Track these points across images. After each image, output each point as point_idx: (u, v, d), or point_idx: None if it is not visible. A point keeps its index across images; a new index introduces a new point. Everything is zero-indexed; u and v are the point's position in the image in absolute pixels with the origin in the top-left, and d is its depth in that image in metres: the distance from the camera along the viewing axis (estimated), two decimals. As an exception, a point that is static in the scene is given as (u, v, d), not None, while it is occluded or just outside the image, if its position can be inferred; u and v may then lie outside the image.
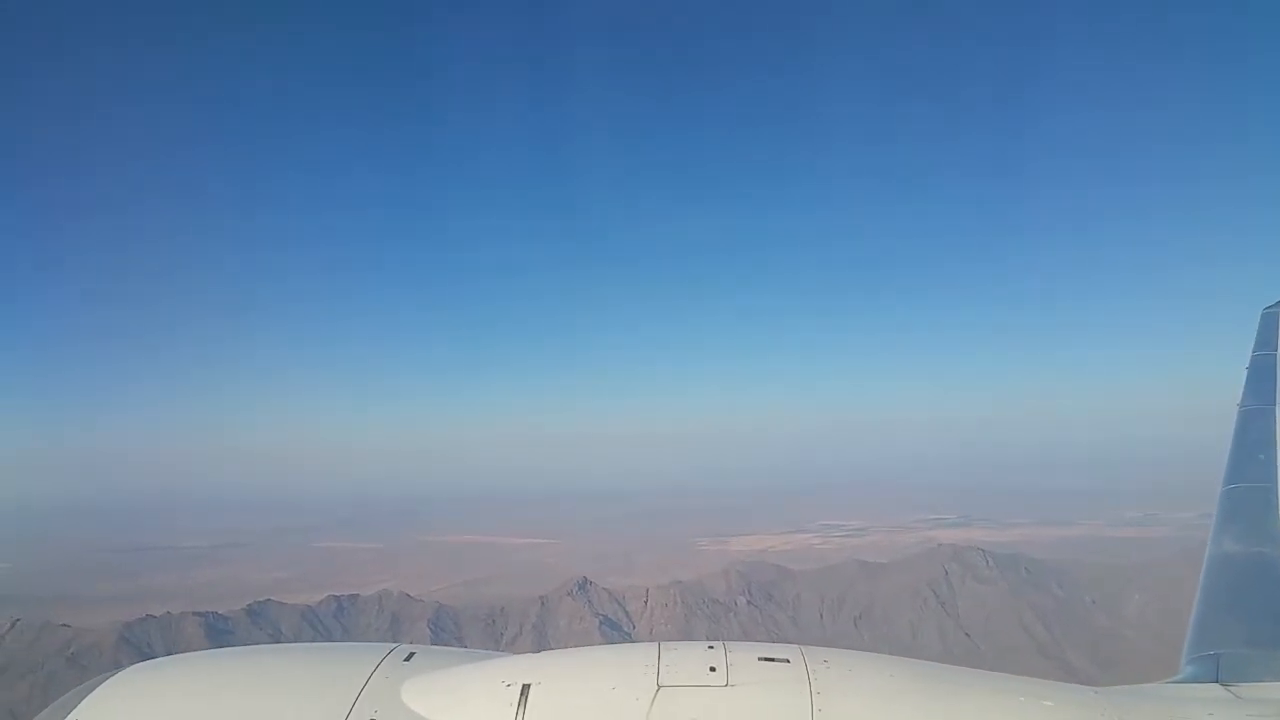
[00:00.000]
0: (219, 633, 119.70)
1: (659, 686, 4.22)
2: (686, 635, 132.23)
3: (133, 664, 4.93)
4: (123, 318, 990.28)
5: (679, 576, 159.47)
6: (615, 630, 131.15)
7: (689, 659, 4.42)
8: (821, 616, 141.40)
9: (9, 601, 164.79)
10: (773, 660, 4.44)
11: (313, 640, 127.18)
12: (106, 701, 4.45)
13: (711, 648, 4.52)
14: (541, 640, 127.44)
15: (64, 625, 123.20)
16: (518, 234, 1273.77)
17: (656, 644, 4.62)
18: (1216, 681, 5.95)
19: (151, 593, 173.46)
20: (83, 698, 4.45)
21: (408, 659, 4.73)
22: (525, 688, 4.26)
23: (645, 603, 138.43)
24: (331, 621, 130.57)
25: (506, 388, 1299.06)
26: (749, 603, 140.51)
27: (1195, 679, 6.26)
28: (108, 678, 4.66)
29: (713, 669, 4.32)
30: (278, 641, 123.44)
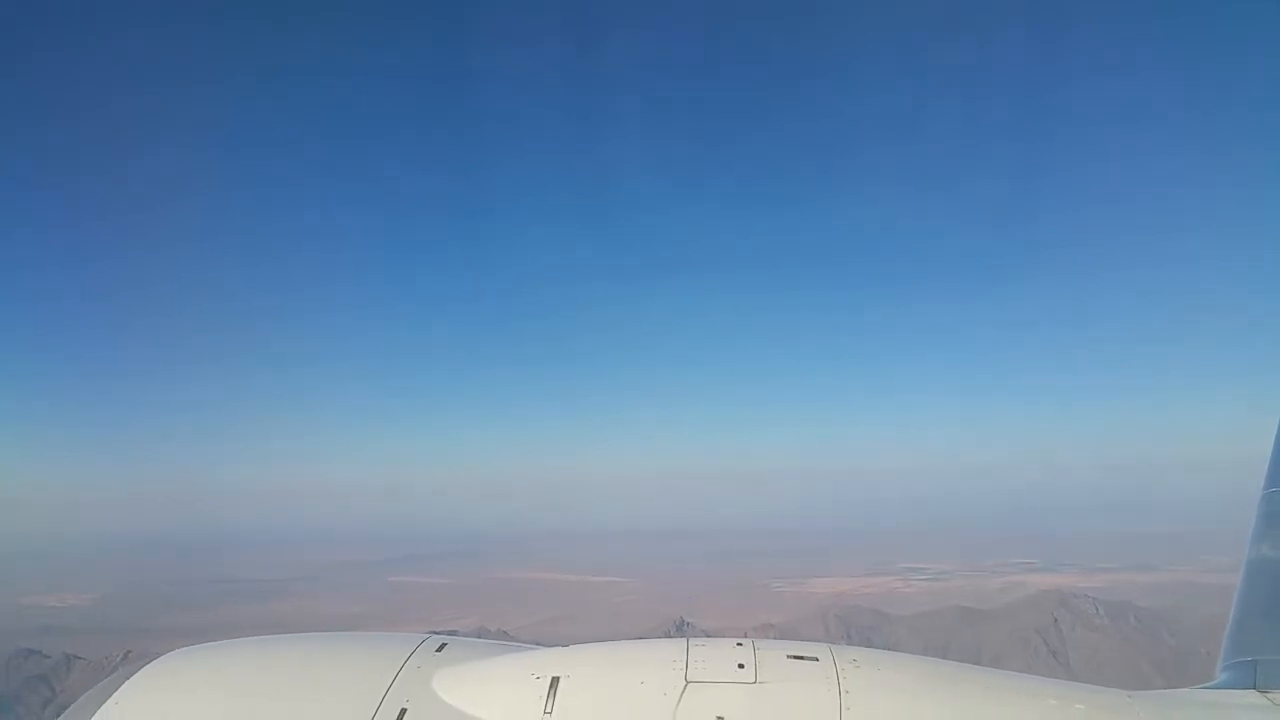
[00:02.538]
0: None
1: (687, 682, 4.20)
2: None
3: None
4: (184, 354, 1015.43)
5: (766, 619, 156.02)
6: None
7: (717, 655, 4.38)
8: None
9: (102, 631, 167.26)
10: (802, 658, 4.36)
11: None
12: (144, 686, 4.50)
13: (740, 644, 4.47)
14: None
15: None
16: (581, 270, 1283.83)
17: (685, 639, 4.59)
18: (1254, 688, 5.63)
19: (238, 625, 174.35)
20: (122, 682, 4.49)
21: (440, 649, 4.75)
22: (555, 680, 4.25)
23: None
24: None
25: (556, 423, 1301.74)
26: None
27: (1231, 685, 5.91)
28: (146, 663, 4.74)
29: (741, 665, 4.28)
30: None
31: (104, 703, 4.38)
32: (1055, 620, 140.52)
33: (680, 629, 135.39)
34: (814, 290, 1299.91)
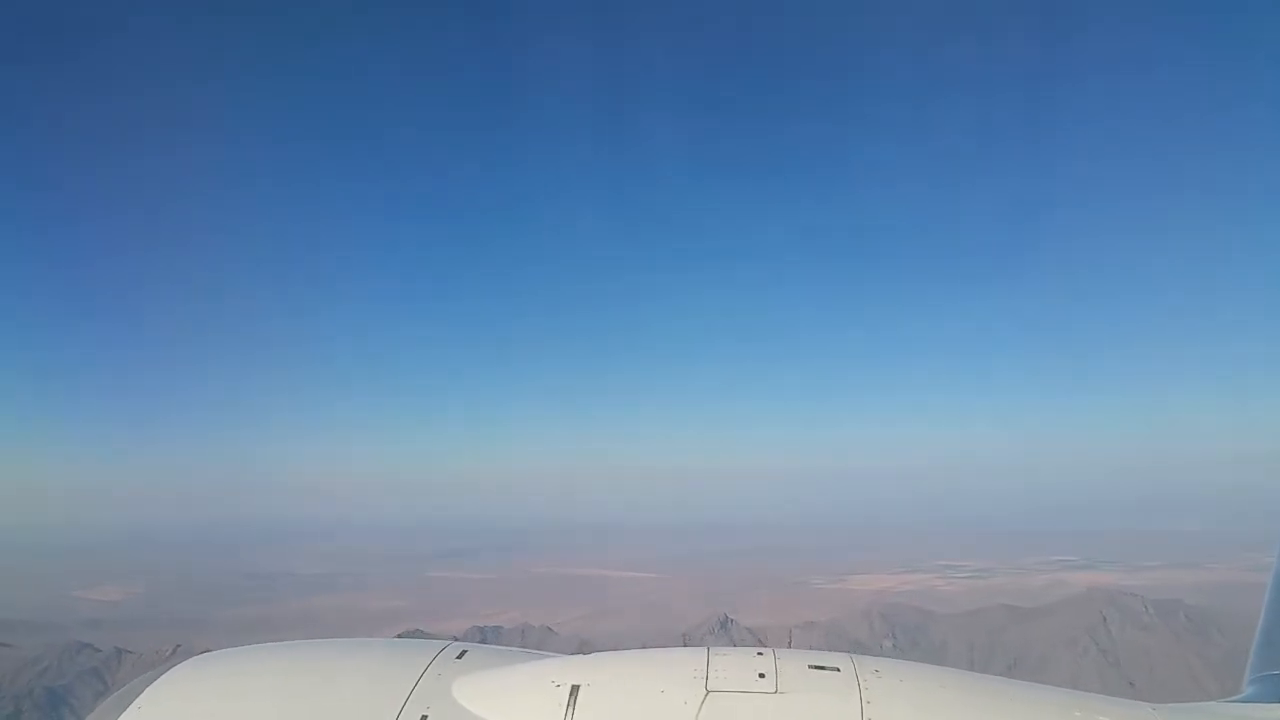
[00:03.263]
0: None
1: (708, 691, 4.19)
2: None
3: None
4: (220, 350, 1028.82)
5: (808, 617, 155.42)
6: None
7: (738, 664, 4.36)
8: (972, 663, 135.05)
9: (149, 625, 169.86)
10: (823, 668, 4.32)
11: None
12: (167, 692, 4.52)
13: (761, 654, 4.46)
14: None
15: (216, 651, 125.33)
16: (612, 268, 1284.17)
17: (705, 649, 4.54)
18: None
19: (280, 619, 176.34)
20: (145, 688, 4.51)
21: (460, 657, 4.77)
22: (575, 688, 4.26)
23: (789, 644, 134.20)
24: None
25: (587, 420, 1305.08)
26: (895, 646, 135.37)
27: (1259, 699, 5.82)
28: (169, 668, 4.74)
29: (762, 675, 4.25)
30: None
31: (127, 708, 4.44)
32: (1104, 619, 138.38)
33: (724, 626, 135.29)
34: (841, 286, 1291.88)
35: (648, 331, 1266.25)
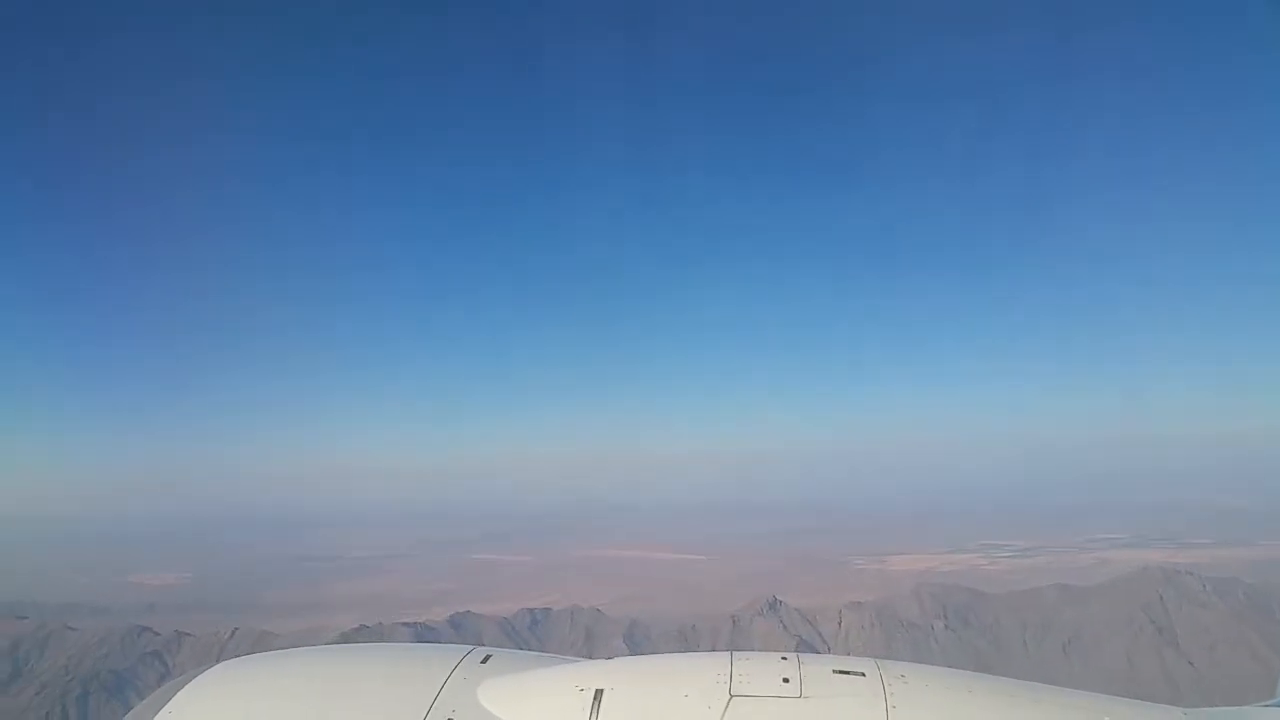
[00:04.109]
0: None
1: (731, 696, 4.22)
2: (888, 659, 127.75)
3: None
4: (260, 338, 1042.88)
5: (855, 597, 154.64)
6: (810, 651, 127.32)
7: (762, 669, 4.40)
8: (1025, 644, 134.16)
9: (202, 609, 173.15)
10: (848, 673, 4.35)
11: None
12: (195, 698, 4.62)
13: (785, 659, 4.49)
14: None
15: (275, 634, 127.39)
16: (643, 253, 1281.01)
17: (729, 653, 4.58)
18: None
19: (333, 602, 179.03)
20: (173, 694, 4.62)
21: (484, 661, 4.87)
22: (599, 693, 4.33)
23: (839, 624, 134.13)
24: (528, 634, 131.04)
25: (619, 404, 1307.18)
26: (946, 627, 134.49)
27: None
28: (196, 675, 4.85)
29: (786, 680, 4.29)
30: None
31: (157, 713, 4.51)
32: (1160, 598, 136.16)
33: (773, 608, 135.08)
34: (874, 265, 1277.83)
35: (683, 313, 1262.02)
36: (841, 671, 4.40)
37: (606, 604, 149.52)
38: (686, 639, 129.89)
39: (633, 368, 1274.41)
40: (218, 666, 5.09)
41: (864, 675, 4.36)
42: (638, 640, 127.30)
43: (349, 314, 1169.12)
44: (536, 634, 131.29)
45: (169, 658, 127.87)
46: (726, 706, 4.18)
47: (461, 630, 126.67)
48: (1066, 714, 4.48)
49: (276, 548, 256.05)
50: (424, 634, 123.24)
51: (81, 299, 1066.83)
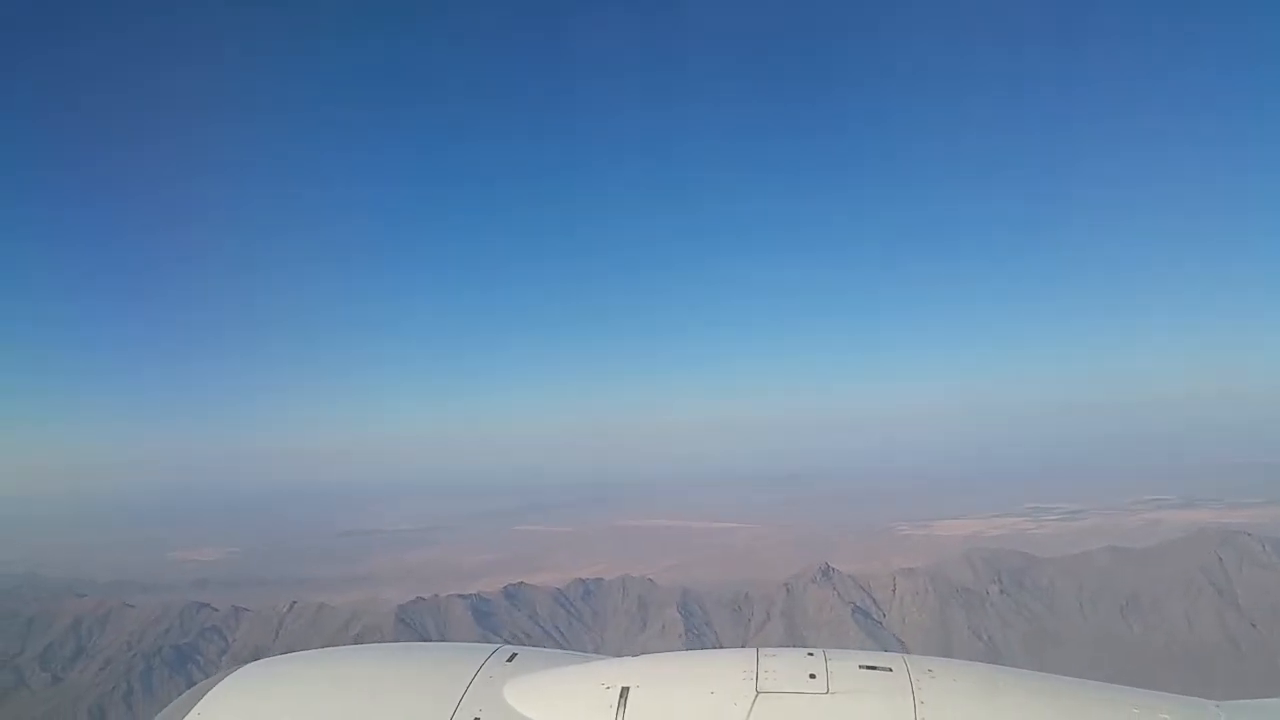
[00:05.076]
0: (483, 614, 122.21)
1: (758, 692, 4.23)
2: (945, 627, 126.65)
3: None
4: (294, 317, 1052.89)
5: (900, 564, 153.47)
6: (867, 618, 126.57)
7: (789, 665, 4.41)
8: (1081, 606, 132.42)
9: (250, 585, 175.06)
10: (875, 669, 4.35)
11: (568, 622, 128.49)
12: (222, 700, 4.69)
13: (811, 654, 4.49)
14: (793, 627, 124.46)
15: (331, 606, 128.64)
16: (678, 226, 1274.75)
17: (755, 649, 4.59)
18: None
19: (381, 574, 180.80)
20: (200, 696, 4.70)
21: (510, 660, 4.92)
22: (625, 690, 4.36)
23: (893, 591, 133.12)
24: (581, 604, 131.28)
25: (654, 375, 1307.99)
26: (1001, 591, 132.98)
27: None
28: (223, 677, 4.91)
29: (813, 676, 4.30)
30: (535, 623, 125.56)
31: (185, 715, 4.52)
32: (1219, 559, 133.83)
33: (826, 575, 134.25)
34: (901, 233, 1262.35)
35: (718, 284, 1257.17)
36: (868, 667, 4.34)
37: (655, 574, 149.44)
38: (740, 608, 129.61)
39: (649, 343, 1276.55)
40: (244, 668, 5.06)
41: (891, 670, 4.30)
42: (691, 610, 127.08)
43: (384, 290, 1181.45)
44: (590, 604, 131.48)
45: (228, 632, 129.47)
46: (753, 703, 4.14)
47: (516, 601, 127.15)
48: (1095, 708, 4.35)
49: (315, 522, 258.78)
50: (479, 605, 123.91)
51: (117, 277, 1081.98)
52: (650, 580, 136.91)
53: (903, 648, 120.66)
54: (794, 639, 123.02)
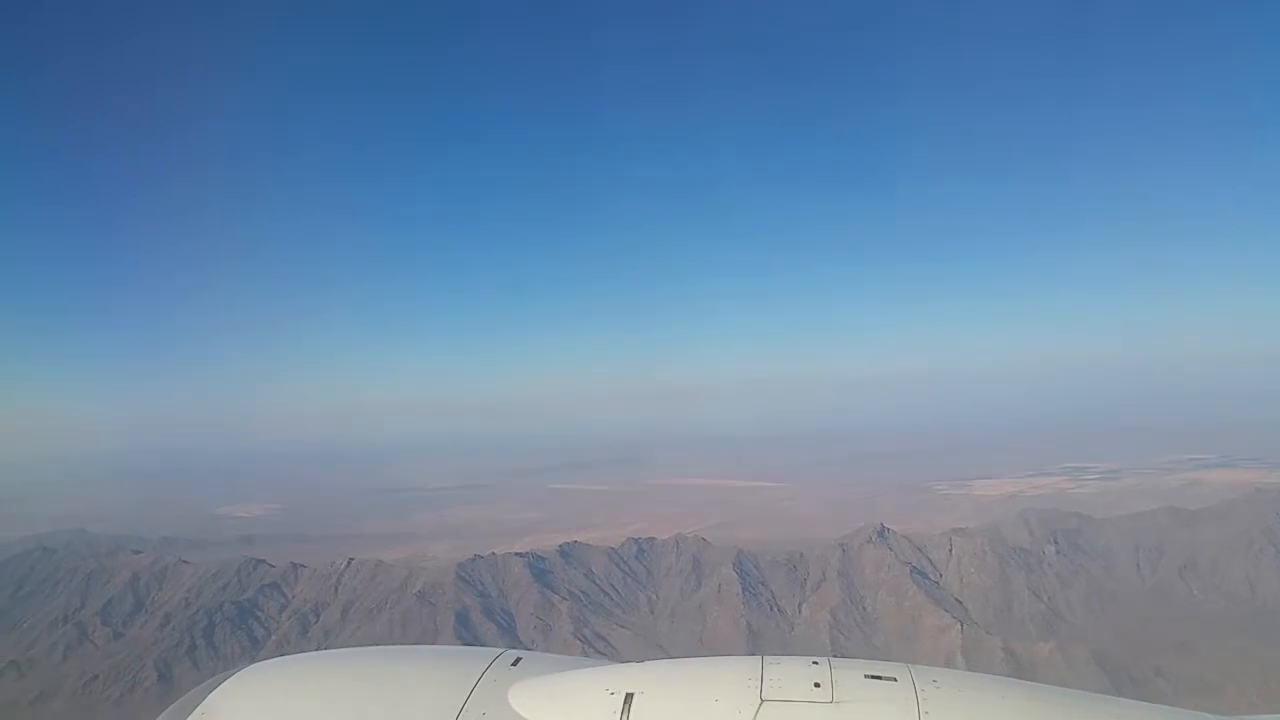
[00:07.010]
0: (541, 572, 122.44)
1: (762, 700, 4.27)
2: (1004, 588, 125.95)
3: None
4: (333, 280, 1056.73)
5: (945, 524, 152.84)
6: (924, 579, 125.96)
7: (793, 674, 4.45)
8: (1139, 568, 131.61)
9: (298, 541, 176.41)
10: (880, 678, 4.40)
11: (624, 580, 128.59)
12: (227, 699, 4.73)
13: (816, 663, 4.53)
14: (850, 588, 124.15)
15: (387, 564, 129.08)
16: (708, 190, 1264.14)
17: (759, 658, 4.62)
18: None
19: (426, 531, 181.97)
20: (204, 697, 4.73)
21: (515, 664, 4.99)
22: (629, 696, 4.41)
23: (949, 551, 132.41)
24: (635, 563, 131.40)
25: (686, 336, 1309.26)
26: (1058, 552, 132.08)
27: None
28: (226, 678, 4.95)
29: (817, 685, 4.34)
30: (592, 580, 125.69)
31: (189, 715, 4.54)
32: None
33: (882, 535, 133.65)
34: (929, 196, 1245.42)
35: (748, 247, 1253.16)
36: (873, 676, 4.38)
37: (705, 532, 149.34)
38: (795, 567, 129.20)
39: (674, 304, 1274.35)
40: (247, 670, 5.03)
41: (896, 680, 4.34)
42: (746, 568, 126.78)
43: (418, 250, 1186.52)
44: (644, 563, 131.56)
45: (286, 589, 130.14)
46: (757, 711, 4.18)
47: (571, 559, 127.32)
48: None
49: (351, 480, 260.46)
50: (536, 564, 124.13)
51: (152, 251, 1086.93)
52: (704, 540, 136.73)
53: (963, 609, 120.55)
54: (852, 599, 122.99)
